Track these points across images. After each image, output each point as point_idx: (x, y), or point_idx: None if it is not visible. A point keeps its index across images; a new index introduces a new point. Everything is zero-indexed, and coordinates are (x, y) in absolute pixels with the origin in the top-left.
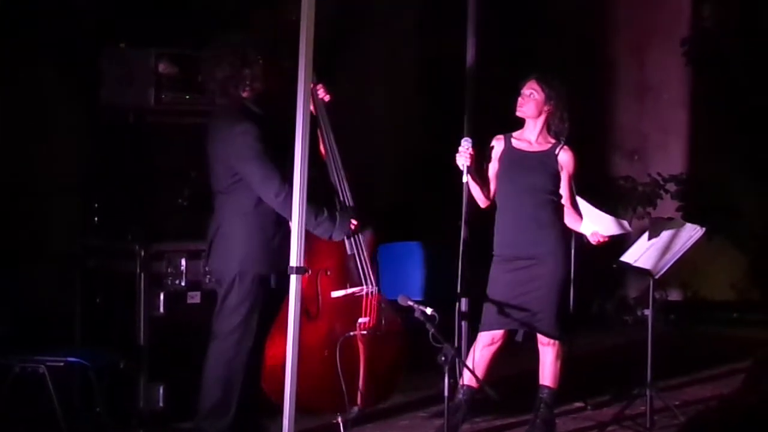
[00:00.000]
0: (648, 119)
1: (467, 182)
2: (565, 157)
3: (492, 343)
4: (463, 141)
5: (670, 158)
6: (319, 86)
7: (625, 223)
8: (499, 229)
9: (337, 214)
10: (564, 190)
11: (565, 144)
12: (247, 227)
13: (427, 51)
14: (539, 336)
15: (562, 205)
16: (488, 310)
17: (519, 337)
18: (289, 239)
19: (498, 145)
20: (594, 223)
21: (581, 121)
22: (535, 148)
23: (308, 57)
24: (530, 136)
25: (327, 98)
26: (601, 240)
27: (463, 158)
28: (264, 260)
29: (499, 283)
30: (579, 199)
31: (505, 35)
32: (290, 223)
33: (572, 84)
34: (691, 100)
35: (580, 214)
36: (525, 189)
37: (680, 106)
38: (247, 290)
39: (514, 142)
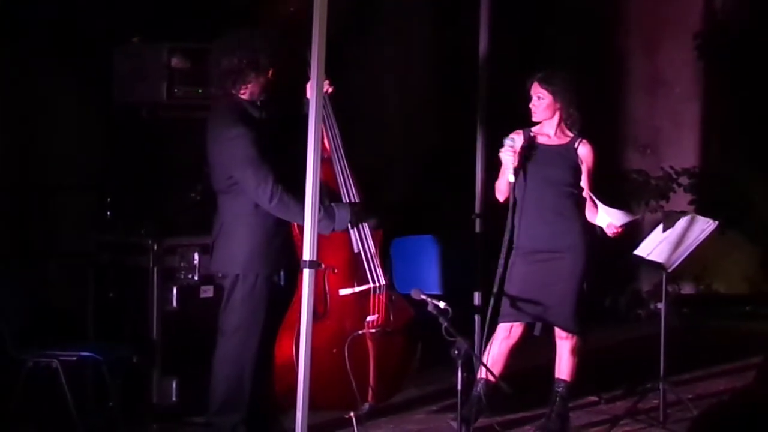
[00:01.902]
0: (660, 113)
1: (508, 179)
2: (584, 151)
3: (509, 336)
4: (506, 140)
5: (682, 152)
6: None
7: (628, 212)
8: (519, 223)
9: (333, 206)
10: (583, 183)
11: (582, 137)
12: (248, 227)
13: (440, 45)
14: (556, 329)
15: (584, 198)
16: (507, 303)
17: (537, 331)
18: (291, 238)
19: (517, 139)
20: (605, 216)
21: (594, 116)
22: (555, 141)
23: (321, 52)
24: (549, 131)
25: (330, 90)
26: (617, 231)
27: (508, 156)
28: (266, 260)
29: (519, 275)
30: (588, 193)
31: (517, 30)
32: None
33: (584, 78)
34: (704, 93)
35: (596, 206)
36: (545, 182)
37: (693, 99)
38: (251, 288)
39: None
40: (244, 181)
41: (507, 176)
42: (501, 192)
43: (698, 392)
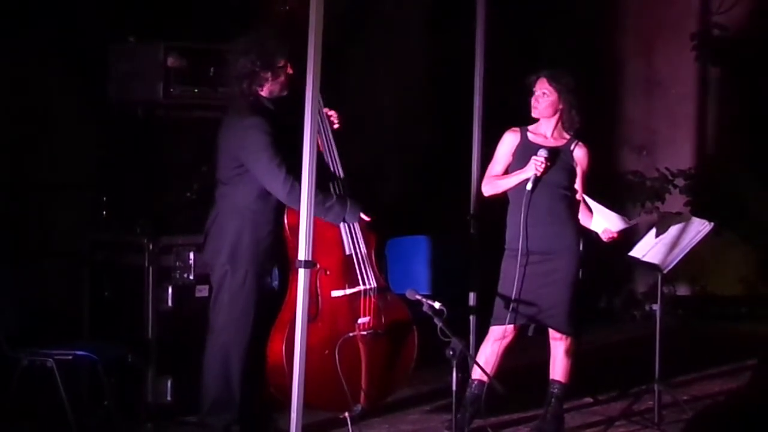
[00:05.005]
0: (657, 114)
1: (526, 186)
2: (580, 154)
3: (503, 337)
4: (543, 150)
5: (678, 153)
6: (331, 113)
7: (626, 218)
8: (511, 224)
9: (348, 198)
10: (578, 186)
11: (578, 139)
12: (240, 222)
13: (436, 46)
14: (551, 330)
15: (577, 201)
16: (500, 305)
17: (530, 332)
18: (282, 238)
19: (513, 137)
20: (602, 220)
21: (590, 116)
22: (551, 143)
23: (317, 53)
24: (546, 131)
25: (336, 126)
26: (612, 236)
27: (541, 166)
28: (255, 257)
29: (512, 277)
30: (584, 197)
31: (514, 31)
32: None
33: (581, 79)
34: (700, 95)
35: (590, 210)
36: (540, 183)
37: (689, 100)
38: (240, 286)
39: (530, 136)
40: (257, 168)
41: (526, 183)
42: (495, 190)
43: (693, 393)
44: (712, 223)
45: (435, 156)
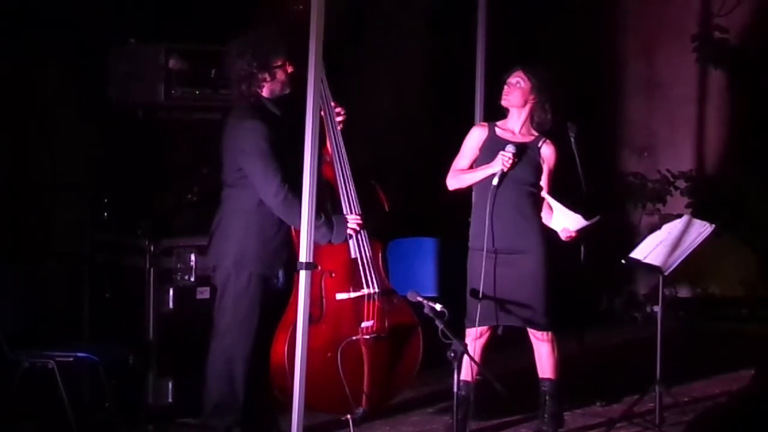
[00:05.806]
0: (658, 116)
1: (492, 182)
2: (547, 151)
3: (480, 337)
4: (510, 146)
5: (679, 155)
6: (337, 109)
7: (584, 218)
8: (476, 219)
9: (333, 218)
10: (543, 183)
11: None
12: (245, 224)
13: (436, 47)
14: (530, 330)
15: (542, 198)
16: (475, 306)
17: (500, 331)
18: (289, 240)
19: (481, 132)
20: (562, 219)
21: (591, 118)
22: (519, 139)
23: (318, 54)
24: (514, 127)
25: (341, 118)
26: (571, 235)
27: (507, 162)
28: (260, 260)
29: (481, 276)
30: (545, 195)
31: (514, 32)
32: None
33: (581, 80)
34: (701, 96)
35: (551, 209)
36: (507, 180)
37: (690, 102)
38: (244, 288)
39: (498, 131)
40: (253, 174)
41: (491, 178)
42: (460, 184)
43: (694, 395)
44: (714, 225)
45: (437, 157)
